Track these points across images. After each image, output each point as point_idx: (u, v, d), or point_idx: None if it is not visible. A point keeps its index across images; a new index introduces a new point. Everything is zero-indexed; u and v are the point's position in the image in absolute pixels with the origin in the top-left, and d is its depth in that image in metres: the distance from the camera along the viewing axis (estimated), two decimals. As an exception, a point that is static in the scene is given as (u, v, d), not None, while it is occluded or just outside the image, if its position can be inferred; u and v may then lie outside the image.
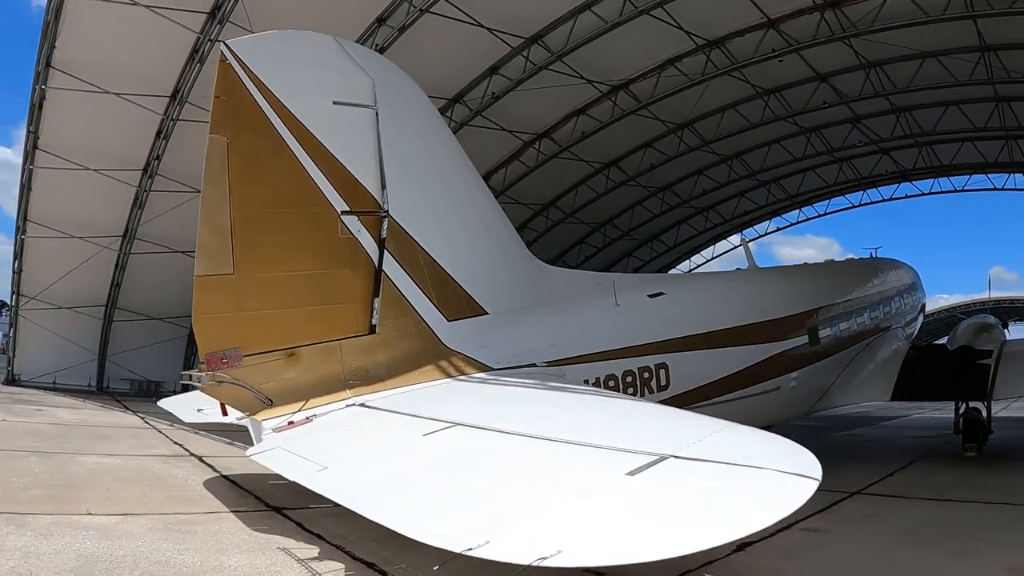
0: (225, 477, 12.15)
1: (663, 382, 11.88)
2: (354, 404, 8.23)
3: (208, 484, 11.39)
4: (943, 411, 28.27)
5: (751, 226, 43.49)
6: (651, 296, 12.95)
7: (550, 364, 10.45)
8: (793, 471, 4.71)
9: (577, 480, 5.31)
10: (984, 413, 18.36)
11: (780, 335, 15.15)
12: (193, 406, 11.52)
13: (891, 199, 34.53)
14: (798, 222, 40.13)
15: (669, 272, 43.26)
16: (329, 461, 6.35)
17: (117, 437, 15.76)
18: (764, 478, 4.73)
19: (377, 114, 9.12)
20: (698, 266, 47.67)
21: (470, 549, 4.49)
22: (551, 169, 30.08)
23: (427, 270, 9.56)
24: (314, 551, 8.08)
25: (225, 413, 8.54)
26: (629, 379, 11.39)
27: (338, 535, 8.79)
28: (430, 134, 10.06)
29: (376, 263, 9.02)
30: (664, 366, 12.03)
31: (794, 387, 15.38)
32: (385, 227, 9.08)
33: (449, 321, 9.70)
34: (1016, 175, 29.78)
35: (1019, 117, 24.82)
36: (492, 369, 9.73)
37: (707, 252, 47.09)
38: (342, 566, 7.63)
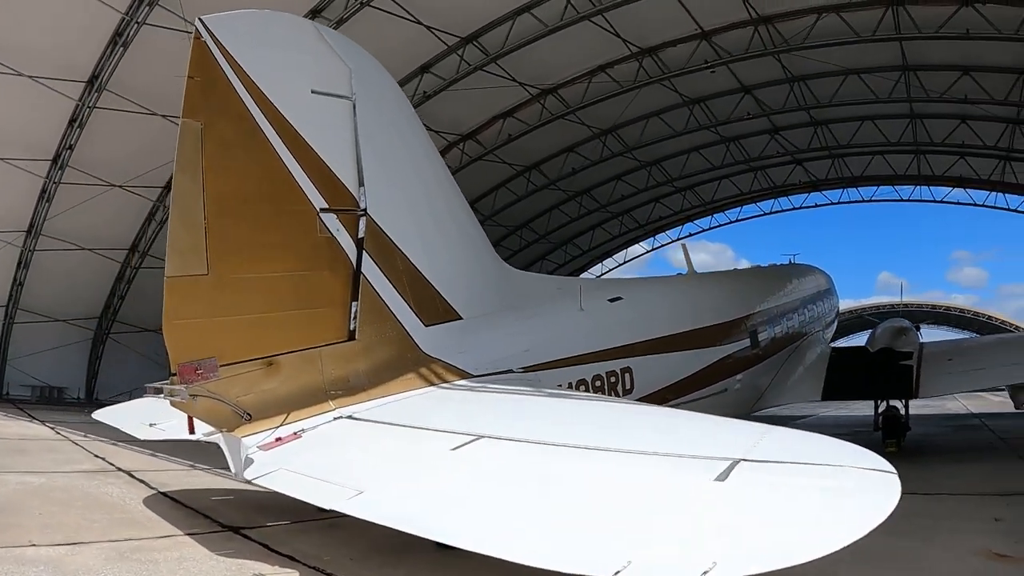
0: (164, 494, 11.07)
1: (628, 386, 11.62)
2: (341, 417, 7.48)
3: (149, 503, 10.31)
4: (847, 410, 29.42)
5: (663, 231, 44.06)
6: (611, 301, 12.64)
7: (526, 370, 9.97)
8: (870, 467, 4.50)
9: (670, 490, 4.81)
10: (903, 411, 19.03)
11: (727, 339, 15.20)
12: (140, 419, 10.32)
13: (801, 208, 35.68)
14: (710, 228, 40.92)
15: (581, 276, 43.34)
16: (360, 483, 5.59)
17: (33, 451, 14.30)
18: (855, 476, 4.45)
19: (354, 106, 8.39)
20: (610, 270, 48.14)
21: (618, 573, 3.92)
22: (474, 171, 29.49)
23: (405, 273, 8.89)
24: (293, 575, 7.32)
25: (192, 430, 7.59)
26: (598, 383, 11.05)
27: (312, 556, 8.04)
28: (405, 128, 9.39)
29: (354, 265, 8.27)
30: (628, 370, 11.78)
31: (738, 389, 15.46)
32: (363, 226, 8.34)
33: (426, 326, 9.05)
34: (922, 187, 31.20)
35: (931, 133, 25.90)
36: (472, 376, 9.14)
37: (619, 256, 47.51)
38: (329, 591, 6.92)
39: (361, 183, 8.35)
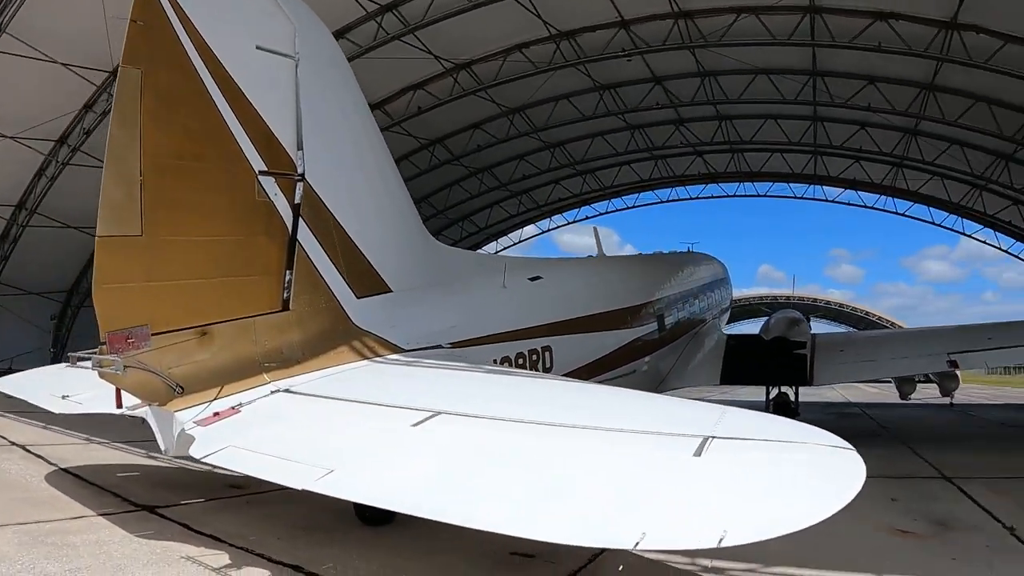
0: (66, 471, 10.45)
1: (548, 364, 11.79)
2: (279, 390, 7.22)
3: (52, 481, 9.75)
4: (732, 394, 30.77)
5: (560, 213, 44.58)
6: (531, 279, 12.74)
7: (453, 345, 9.94)
8: (830, 444, 4.70)
9: (653, 464, 4.84)
10: (792, 397, 20.11)
11: (638, 322, 15.62)
12: (50, 391, 9.44)
13: (697, 198, 36.75)
14: (606, 212, 41.61)
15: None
16: (326, 462, 5.35)
17: (-88, 424, 13.27)
18: (820, 452, 4.64)
19: (297, 65, 8.08)
20: (504, 248, 48.32)
21: (638, 543, 4.00)
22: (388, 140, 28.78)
23: (339, 242, 8.66)
24: (223, 557, 7.05)
25: (120, 404, 7.14)
26: (520, 361, 11.16)
27: (236, 535, 7.80)
28: (344, 93, 9.10)
29: (290, 232, 7.98)
30: (548, 349, 11.94)
31: (645, 371, 15.92)
32: (299, 192, 8.06)
33: (358, 298, 8.87)
34: (815, 186, 32.80)
35: (831, 136, 27.13)
36: (404, 351, 9.04)
37: (514, 235, 47.79)
38: (268, 573, 6.70)
39: (300, 146, 8.07)
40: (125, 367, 6.47)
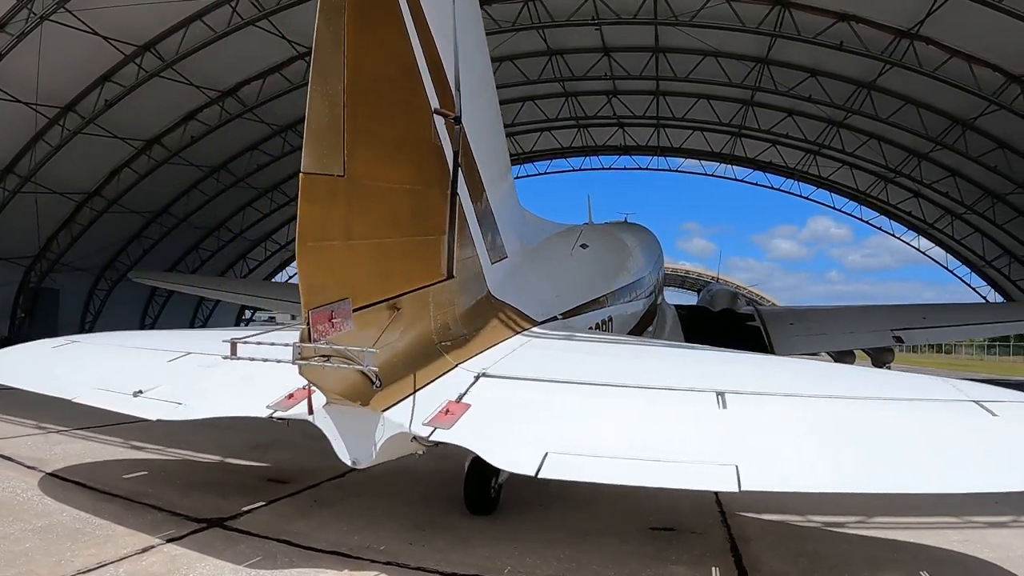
0: (56, 476, 7.70)
1: (611, 332, 10.74)
2: (478, 375, 5.47)
3: (53, 494, 7.04)
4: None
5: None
6: (583, 247, 11.31)
7: (563, 316, 8.48)
8: None
9: (986, 426, 4.56)
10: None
11: (648, 291, 14.64)
12: (97, 382, 6.51)
13: (611, 168, 35.61)
14: (518, 177, 39.85)
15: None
16: (706, 456, 4.48)
17: None
18: None
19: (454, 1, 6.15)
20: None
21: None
22: (163, 175, 24.27)
23: (481, 198, 6.92)
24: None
25: (311, 410, 4.98)
26: (596, 332, 9.90)
27: (359, 546, 5.98)
28: (479, 41, 7.17)
29: (451, 182, 6.12)
30: (611, 319, 10.75)
31: (647, 338, 14.91)
32: (458, 137, 6.19)
33: (492, 264, 7.18)
34: (659, 157, 32.97)
35: (759, 120, 26.32)
36: (536, 323, 7.49)
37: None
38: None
39: (458, 87, 6.17)
40: (325, 357, 4.49)
